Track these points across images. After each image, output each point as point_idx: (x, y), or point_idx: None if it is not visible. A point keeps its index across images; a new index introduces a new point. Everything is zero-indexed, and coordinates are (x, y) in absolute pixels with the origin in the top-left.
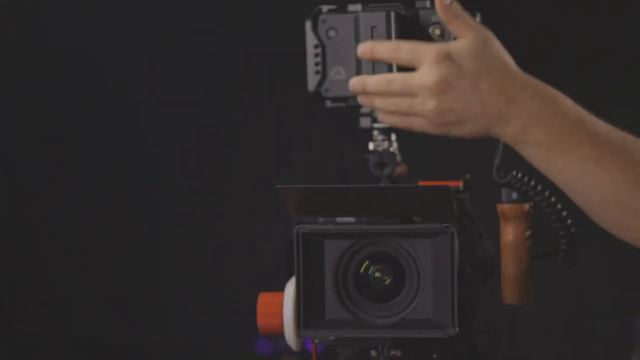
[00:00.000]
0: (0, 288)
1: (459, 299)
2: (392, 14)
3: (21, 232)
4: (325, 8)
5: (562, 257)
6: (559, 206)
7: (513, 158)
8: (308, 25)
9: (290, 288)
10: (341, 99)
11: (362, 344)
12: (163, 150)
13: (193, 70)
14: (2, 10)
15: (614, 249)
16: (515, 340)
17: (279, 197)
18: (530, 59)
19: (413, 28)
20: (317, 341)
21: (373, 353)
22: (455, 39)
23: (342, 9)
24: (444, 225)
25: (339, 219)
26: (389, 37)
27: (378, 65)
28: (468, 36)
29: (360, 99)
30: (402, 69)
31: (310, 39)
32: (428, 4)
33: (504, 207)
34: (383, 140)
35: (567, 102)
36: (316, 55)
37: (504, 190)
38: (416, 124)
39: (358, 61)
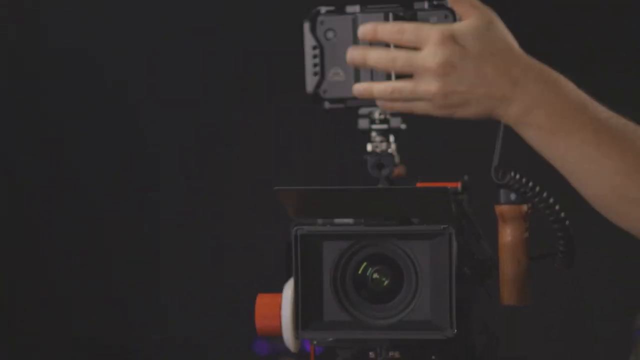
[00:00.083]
0: (0, 288)
1: (457, 300)
2: (390, 16)
3: (21, 232)
4: (323, 9)
5: (560, 258)
6: (557, 207)
7: (511, 159)
8: (306, 26)
9: (288, 289)
10: (339, 100)
11: (361, 345)
12: (163, 150)
13: (193, 70)
14: (2, 10)
15: (612, 249)
16: (514, 341)
17: (278, 199)
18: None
19: None
20: (315, 342)
21: (371, 354)
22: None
23: (340, 10)
24: (442, 226)
25: (337, 221)
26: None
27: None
28: (472, 17)
29: (359, 87)
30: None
31: (309, 40)
32: (426, 5)
33: (502, 209)
34: (381, 142)
35: (569, 86)
36: (314, 56)
37: (502, 192)
38: (419, 107)
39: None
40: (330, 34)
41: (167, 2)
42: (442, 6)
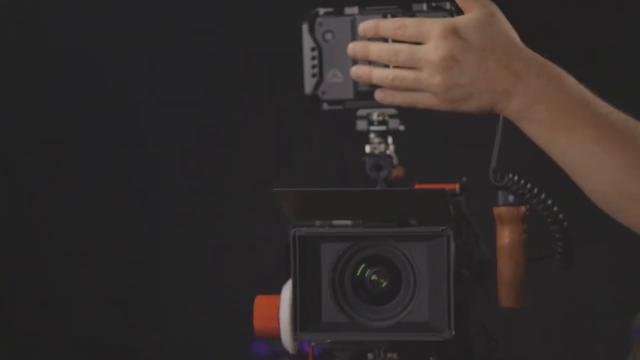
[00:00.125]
0: (0, 288)
1: (455, 301)
2: (389, 17)
3: (21, 232)
4: (322, 11)
5: (558, 260)
6: (555, 209)
7: (509, 161)
8: (305, 27)
9: (287, 291)
10: (338, 101)
11: (359, 346)
12: (163, 150)
13: (193, 70)
14: (2, 10)
15: (611, 250)
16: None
17: (276, 200)
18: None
19: None
20: (313, 344)
21: (370, 356)
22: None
23: (338, 12)
24: (440, 228)
25: (335, 222)
26: (385, 40)
27: None
28: (474, 10)
29: (357, 70)
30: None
31: (307, 42)
32: (424, 7)
33: (500, 210)
34: (379, 143)
35: (571, 81)
36: (313, 58)
37: (500, 193)
38: (421, 100)
39: (355, 64)
40: (328, 36)
41: (167, 2)
42: (440, 8)
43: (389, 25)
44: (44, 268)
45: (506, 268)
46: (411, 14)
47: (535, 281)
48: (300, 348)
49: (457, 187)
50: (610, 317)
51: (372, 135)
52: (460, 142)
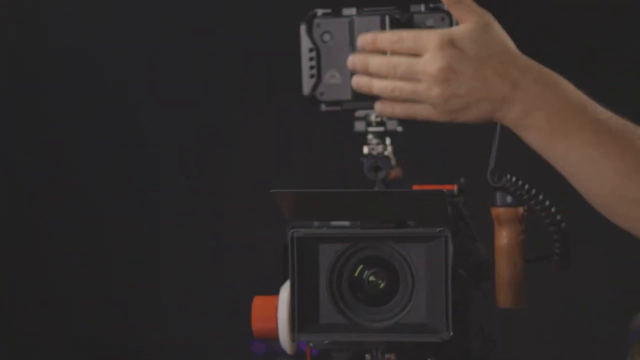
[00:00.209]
0: (0, 288)
1: (453, 302)
2: (387, 18)
3: (21, 232)
4: (320, 12)
5: (556, 261)
6: (553, 210)
7: (507, 162)
8: (303, 28)
9: (284, 292)
10: (336, 102)
11: (357, 347)
12: (163, 150)
13: (193, 70)
14: (2, 10)
15: (609, 251)
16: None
17: (274, 201)
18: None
19: None
20: (311, 345)
21: (367, 357)
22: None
23: (336, 13)
24: (438, 229)
25: (333, 223)
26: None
27: None
28: (469, 20)
29: (359, 81)
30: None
31: (305, 43)
32: (422, 8)
33: (498, 211)
34: (377, 144)
35: (569, 87)
36: (311, 59)
37: (498, 194)
38: (420, 111)
39: None
40: (326, 37)
41: (167, 2)
42: (438, 9)
43: (386, 38)
44: (44, 268)
45: (504, 269)
46: (409, 14)
47: (533, 282)
48: (298, 349)
49: (455, 188)
50: (608, 318)
51: (370, 136)
52: (458, 143)
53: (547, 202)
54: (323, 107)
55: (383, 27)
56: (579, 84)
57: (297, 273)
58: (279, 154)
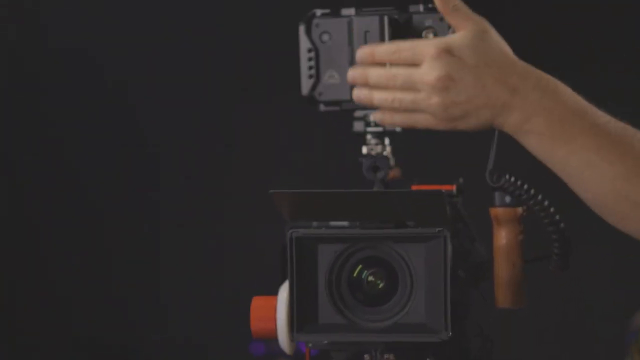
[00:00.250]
0: (0, 288)
1: (452, 303)
2: (386, 18)
3: (21, 232)
4: (318, 12)
5: (555, 261)
6: (552, 210)
7: (506, 162)
8: (301, 29)
9: (283, 292)
10: (335, 102)
11: (356, 348)
12: (163, 150)
13: (193, 70)
14: (2, 10)
15: (607, 251)
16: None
17: (273, 201)
18: (530, 59)
19: (406, 32)
20: (310, 345)
21: (366, 357)
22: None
23: (335, 13)
24: (437, 229)
25: (332, 223)
26: (382, 41)
27: None
28: (466, 28)
29: (359, 93)
30: None
31: (304, 43)
32: (421, 8)
33: (497, 211)
34: (376, 144)
35: (567, 92)
36: (310, 59)
37: (497, 194)
38: (420, 120)
39: (352, 65)
40: (325, 37)
41: (167, 2)
42: (436, 9)
43: (384, 50)
44: (44, 268)
45: (503, 269)
46: (407, 15)
47: (532, 282)
48: (297, 349)
49: (454, 188)
50: (608, 318)
51: (369, 137)
52: (457, 143)
53: (546, 202)
54: (322, 107)
55: (382, 28)
56: (579, 84)
57: (296, 273)
58: (278, 154)
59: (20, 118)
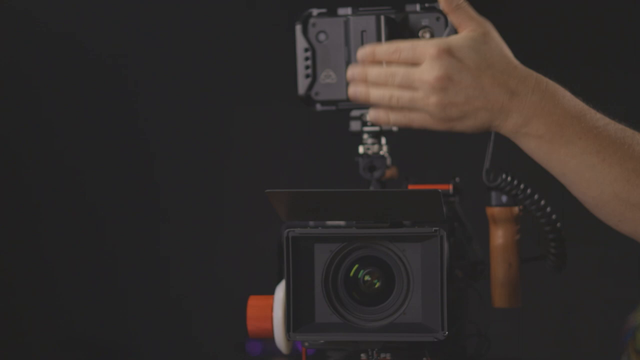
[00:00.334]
0: (0, 288)
1: (449, 302)
2: (382, 18)
3: (21, 232)
4: (315, 11)
5: (551, 260)
6: (548, 209)
7: (503, 161)
8: (298, 28)
9: (280, 291)
10: (331, 102)
11: (352, 347)
12: (159, 150)
13: (191, 70)
14: (2, 10)
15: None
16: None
17: (269, 201)
18: (531, 59)
19: (403, 32)
20: (306, 344)
21: (363, 356)
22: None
23: (332, 13)
24: (433, 228)
25: (329, 223)
26: (379, 40)
27: None
28: (468, 29)
29: (355, 90)
30: None
31: (301, 43)
32: (418, 8)
33: (493, 211)
34: (373, 144)
35: (566, 95)
36: (306, 58)
37: (493, 194)
38: (417, 119)
39: (348, 65)
40: (322, 36)
41: (166, 4)
42: (433, 8)
43: (384, 50)
44: (44, 268)
45: (499, 269)
46: (404, 14)
47: (528, 282)
48: (293, 348)
49: (450, 187)
50: (603, 317)
51: (365, 136)
52: (453, 143)
53: (543, 202)
54: (318, 107)
55: (378, 27)
56: (578, 84)
57: (292, 273)
58: (274, 154)
59: (20, 118)
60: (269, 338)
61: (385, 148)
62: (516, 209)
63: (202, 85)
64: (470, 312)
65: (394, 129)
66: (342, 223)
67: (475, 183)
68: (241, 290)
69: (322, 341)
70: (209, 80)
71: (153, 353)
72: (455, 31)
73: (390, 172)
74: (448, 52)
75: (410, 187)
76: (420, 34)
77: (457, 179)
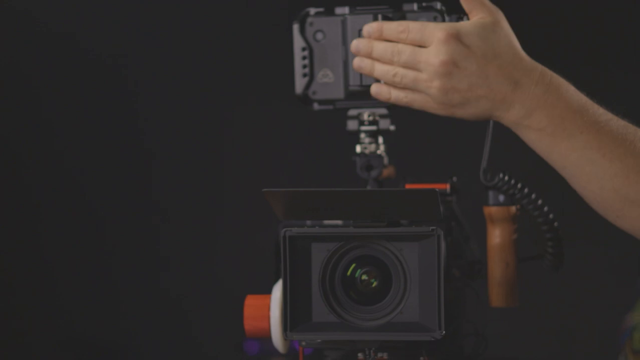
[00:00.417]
0: (0, 288)
1: (446, 301)
2: (380, 17)
3: (21, 232)
4: (312, 11)
5: (549, 260)
6: (545, 209)
7: (500, 161)
8: (295, 27)
9: (277, 291)
10: (329, 101)
11: (349, 346)
12: (157, 149)
13: (189, 70)
14: (2, 10)
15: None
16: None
17: (267, 200)
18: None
19: None
20: (304, 344)
21: (360, 356)
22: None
23: (329, 12)
24: (430, 228)
25: (326, 222)
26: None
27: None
28: (479, 16)
29: (360, 62)
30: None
31: (298, 42)
32: (415, 7)
33: (490, 210)
34: (370, 143)
35: (570, 89)
36: (304, 57)
37: (490, 193)
38: (418, 100)
39: (346, 64)
40: (319, 36)
41: (166, 3)
42: (430, 7)
43: (393, 28)
44: (44, 268)
45: (496, 268)
46: (401, 13)
47: (526, 281)
48: (291, 348)
49: (447, 187)
50: (601, 317)
51: (362, 135)
52: (450, 142)
53: (540, 201)
54: (316, 106)
55: None
56: (578, 84)
57: (289, 272)
58: (271, 153)
59: (20, 118)
60: (266, 337)
61: (382, 147)
62: (513, 209)
63: (201, 85)
64: (467, 312)
65: (392, 128)
66: (339, 222)
67: (473, 182)
68: (240, 290)
69: (319, 340)
70: (208, 80)
71: (152, 352)
72: None
73: (388, 172)
74: (456, 38)
75: (408, 186)
76: None
77: (455, 179)
